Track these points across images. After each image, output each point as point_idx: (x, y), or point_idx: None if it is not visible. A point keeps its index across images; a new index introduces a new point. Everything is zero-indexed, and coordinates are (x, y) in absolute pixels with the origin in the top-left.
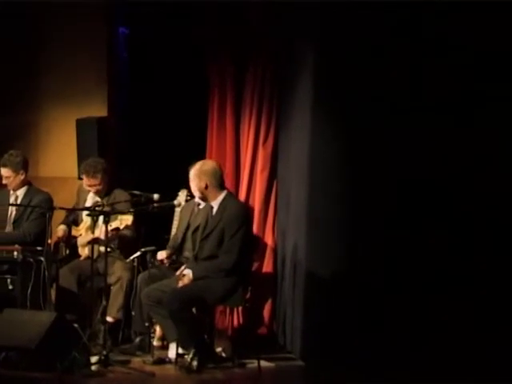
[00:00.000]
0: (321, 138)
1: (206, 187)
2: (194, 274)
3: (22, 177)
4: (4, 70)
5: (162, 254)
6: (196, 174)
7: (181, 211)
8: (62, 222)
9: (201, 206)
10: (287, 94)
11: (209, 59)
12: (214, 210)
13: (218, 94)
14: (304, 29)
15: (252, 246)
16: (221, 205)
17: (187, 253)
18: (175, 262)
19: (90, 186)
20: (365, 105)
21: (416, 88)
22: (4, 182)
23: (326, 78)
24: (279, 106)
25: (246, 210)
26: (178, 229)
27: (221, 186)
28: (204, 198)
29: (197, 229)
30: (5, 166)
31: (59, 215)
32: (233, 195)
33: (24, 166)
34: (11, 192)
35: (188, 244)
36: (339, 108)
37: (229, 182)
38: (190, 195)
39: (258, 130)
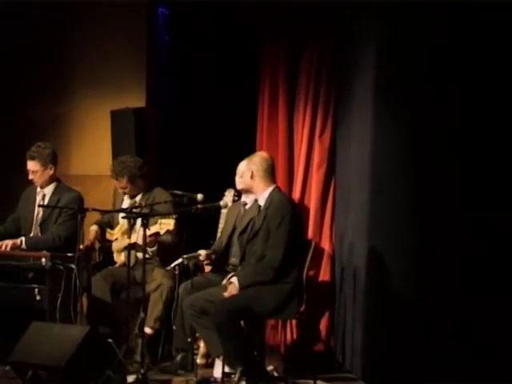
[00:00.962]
0: (384, 132)
1: (252, 176)
2: (240, 282)
3: (51, 172)
4: (31, 57)
5: (201, 252)
6: (245, 166)
7: (227, 213)
8: (95, 223)
9: (247, 206)
10: (346, 82)
11: (260, 44)
12: (261, 207)
13: (270, 82)
14: (365, 12)
15: (303, 247)
16: (267, 200)
17: (234, 259)
18: (217, 266)
19: (119, 187)
20: (432, 96)
21: (486, 80)
22: (30, 177)
23: (388, 66)
24: (337, 95)
25: (289, 201)
26: (223, 232)
27: (268, 178)
28: (249, 192)
29: (243, 231)
30: (32, 158)
31: (92, 218)
32: (280, 190)
33: (53, 159)
34: (38, 190)
35: (234, 249)
36: (404, 99)
37: (281, 181)
38: (238, 195)
39: (313, 122)
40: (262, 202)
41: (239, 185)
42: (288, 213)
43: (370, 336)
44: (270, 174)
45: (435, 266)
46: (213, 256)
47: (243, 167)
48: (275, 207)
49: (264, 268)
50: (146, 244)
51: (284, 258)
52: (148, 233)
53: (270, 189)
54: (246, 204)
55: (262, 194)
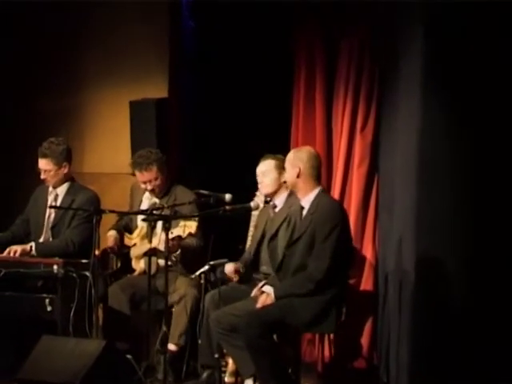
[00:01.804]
0: (433, 125)
1: (299, 175)
2: (276, 292)
3: (65, 170)
4: (39, 42)
5: (229, 267)
6: (289, 160)
7: (257, 218)
8: (112, 228)
9: (277, 209)
10: (390, 70)
11: (294, 29)
12: (305, 210)
13: (305, 71)
14: None
15: (348, 255)
16: (312, 204)
17: (265, 267)
18: (245, 277)
19: (144, 182)
20: (485, 84)
21: None
22: (42, 176)
23: (438, 53)
24: (380, 85)
25: (341, 208)
26: (253, 239)
27: (316, 178)
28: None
29: (274, 236)
30: (44, 156)
31: (109, 220)
32: (327, 192)
33: (68, 156)
34: (50, 189)
35: (265, 256)
36: (456, 89)
37: None
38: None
39: (354, 114)
40: (306, 205)
41: (266, 188)
42: (339, 223)
43: (418, 351)
44: (318, 173)
45: (490, 271)
46: (242, 270)
47: (287, 164)
48: (325, 214)
49: (305, 280)
50: (168, 249)
51: (329, 270)
52: (170, 236)
53: (317, 190)
54: (275, 207)
55: (306, 195)
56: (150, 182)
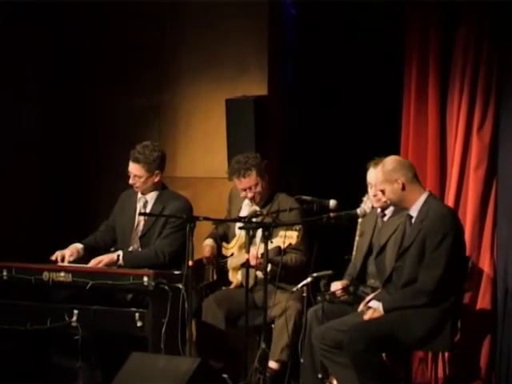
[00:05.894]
0: None
1: (404, 187)
2: (384, 304)
3: (156, 179)
4: (130, 35)
5: (336, 285)
6: (383, 179)
7: (361, 226)
8: (209, 236)
9: (385, 218)
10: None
11: (405, 18)
12: (414, 219)
13: (417, 64)
14: None
15: (463, 266)
16: (421, 210)
17: (372, 281)
18: (354, 295)
19: (243, 189)
20: None
21: None
22: (131, 182)
23: None
24: (500, 79)
25: (452, 213)
26: (357, 249)
27: (419, 184)
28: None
29: (382, 249)
30: (136, 161)
31: (202, 228)
32: (435, 196)
33: (161, 164)
34: (139, 195)
35: (372, 269)
36: None
37: (431, 185)
38: None
39: (471, 112)
40: (414, 213)
41: (379, 202)
42: (452, 229)
43: None
44: (418, 178)
45: None
46: (351, 288)
47: (382, 183)
48: (435, 221)
49: (415, 292)
50: (267, 260)
51: (441, 281)
52: (270, 246)
53: (424, 196)
54: (383, 216)
55: (415, 203)
56: (249, 188)
